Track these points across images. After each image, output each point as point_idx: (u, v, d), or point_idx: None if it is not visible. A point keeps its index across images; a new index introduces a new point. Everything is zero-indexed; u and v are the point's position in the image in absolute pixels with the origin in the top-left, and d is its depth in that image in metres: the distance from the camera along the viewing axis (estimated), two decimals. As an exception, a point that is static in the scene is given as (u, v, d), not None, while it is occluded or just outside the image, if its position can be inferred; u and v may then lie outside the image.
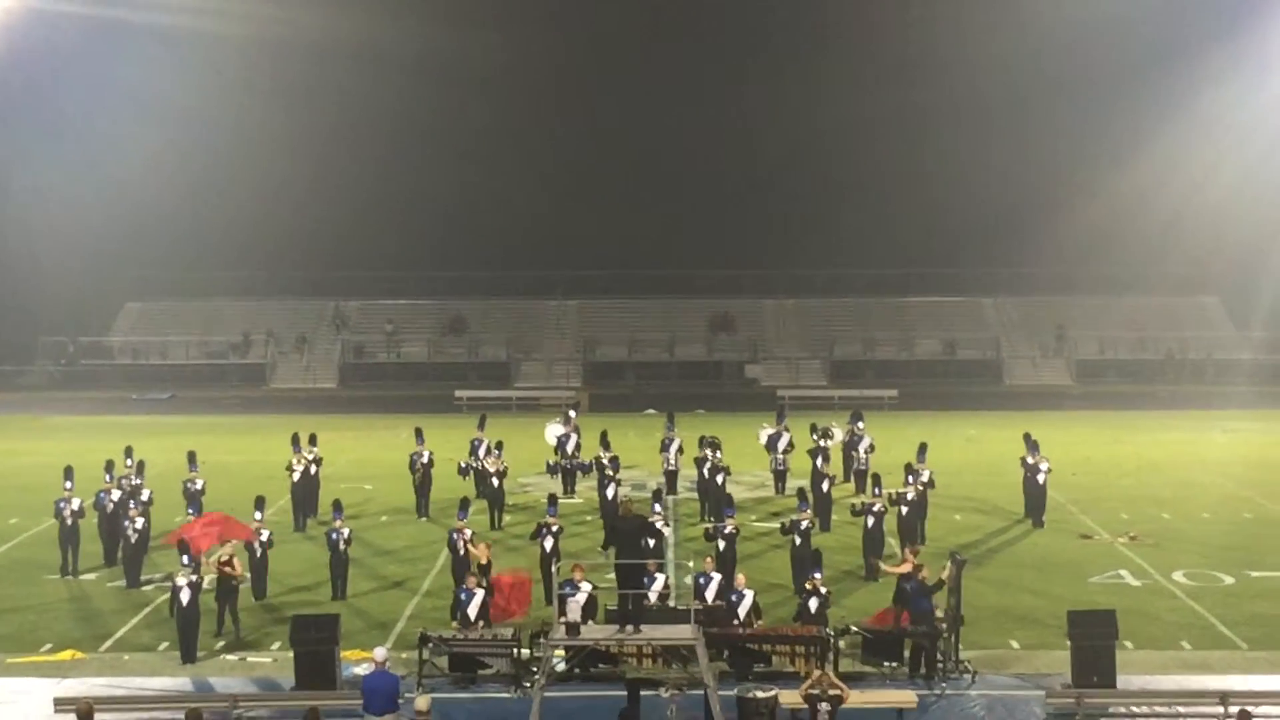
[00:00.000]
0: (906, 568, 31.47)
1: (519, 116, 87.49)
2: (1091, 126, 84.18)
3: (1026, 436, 45.55)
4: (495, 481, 45.12)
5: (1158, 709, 28.13)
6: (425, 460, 46.70)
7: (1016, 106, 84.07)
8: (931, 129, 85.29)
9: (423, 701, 23.12)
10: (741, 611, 30.12)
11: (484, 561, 33.28)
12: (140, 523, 38.22)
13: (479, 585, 31.11)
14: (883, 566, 34.69)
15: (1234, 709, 24.72)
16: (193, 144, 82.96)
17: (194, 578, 31.72)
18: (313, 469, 45.48)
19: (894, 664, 30.24)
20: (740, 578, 31.30)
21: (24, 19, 79.22)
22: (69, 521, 39.19)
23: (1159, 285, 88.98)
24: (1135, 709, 28.25)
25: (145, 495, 40.62)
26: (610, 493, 43.32)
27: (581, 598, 29.32)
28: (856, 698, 26.10)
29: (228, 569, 33.20)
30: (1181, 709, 27.94)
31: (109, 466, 41.72)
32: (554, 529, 36.20)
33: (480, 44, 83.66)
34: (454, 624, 30.60)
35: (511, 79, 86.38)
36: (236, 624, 32.97)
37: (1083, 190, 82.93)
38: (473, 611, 30.49)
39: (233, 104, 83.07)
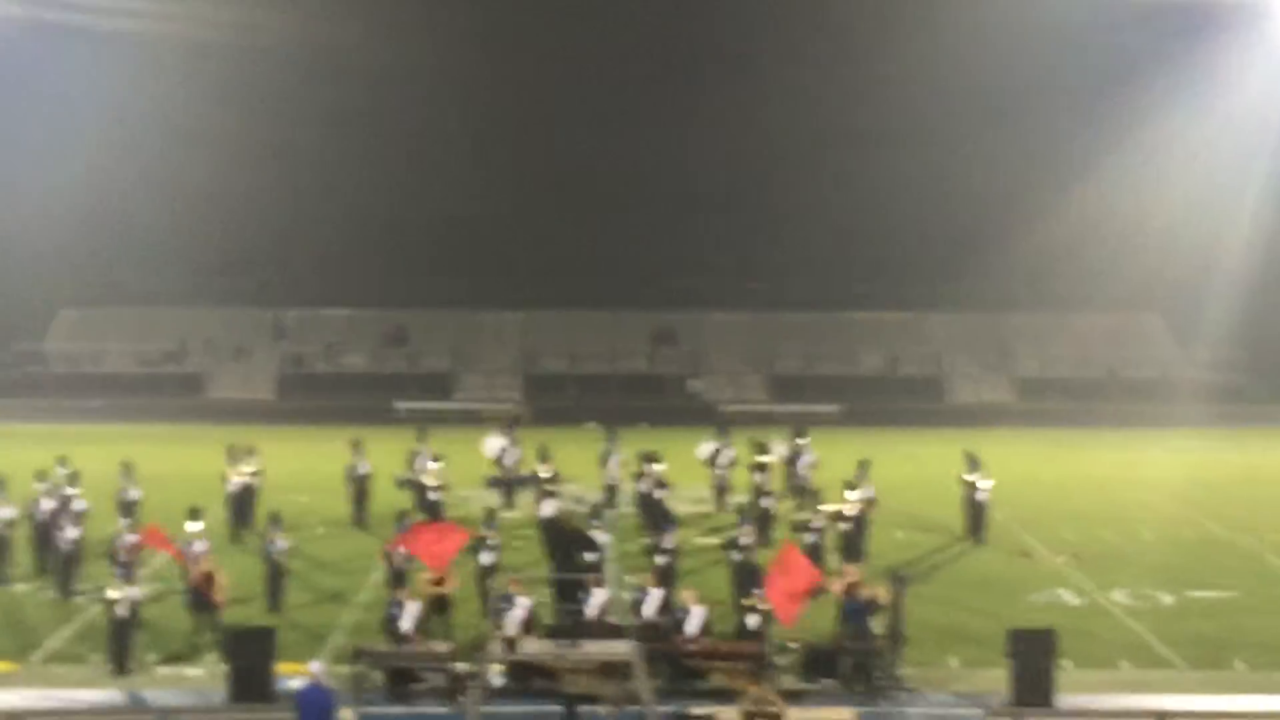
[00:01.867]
0: (844, 585, 31.46)
1: (462, 127, 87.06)
2: (1039, 148, 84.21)
3: (967, 454, 45.56)
4: (434, 495, 44.92)
5: (1096, 729, 28.13)
6: (363, 472, 46.47)
7: (964, 126, 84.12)
8: (879, 147, 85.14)
9: (348, 715, 22.85)
10: (691, 628, 29.98)
11: (436, 578, 33.09)
12: (73, 533, 37.87)
13: (410, 597, 30.90)
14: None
15: (1172, 729, 24.67)
16: (130, 149, 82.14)
17: (129, 589, 31.43)
18: (251, 480, 45.15)
19: (832, 681, 30.13)
20: (690, 594, 31.19)
21: (-48, 24, 78.60)
22: (1, 531, 38.78)
23: (1103, 304, 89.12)
24: (1073, 729, 28.24)
25: (79, 505, 40.19)
26: (549, 507, 43.12)
27: (520, 613, 29.15)
28: (795, 715, 26.00)
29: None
30: (1120, 729, 27.95)
31: (41, 476, 41.31)
32: (492, 543, 35.94)
33: (421, 51, 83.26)
34: (387, 637, 30.43)
35: (455, 89, 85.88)
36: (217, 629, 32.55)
37: (1029, 210, 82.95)
38: (405, 625, 30.26)
39: (172, 109, 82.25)
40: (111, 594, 31.10)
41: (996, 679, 29.76)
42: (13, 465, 44.43)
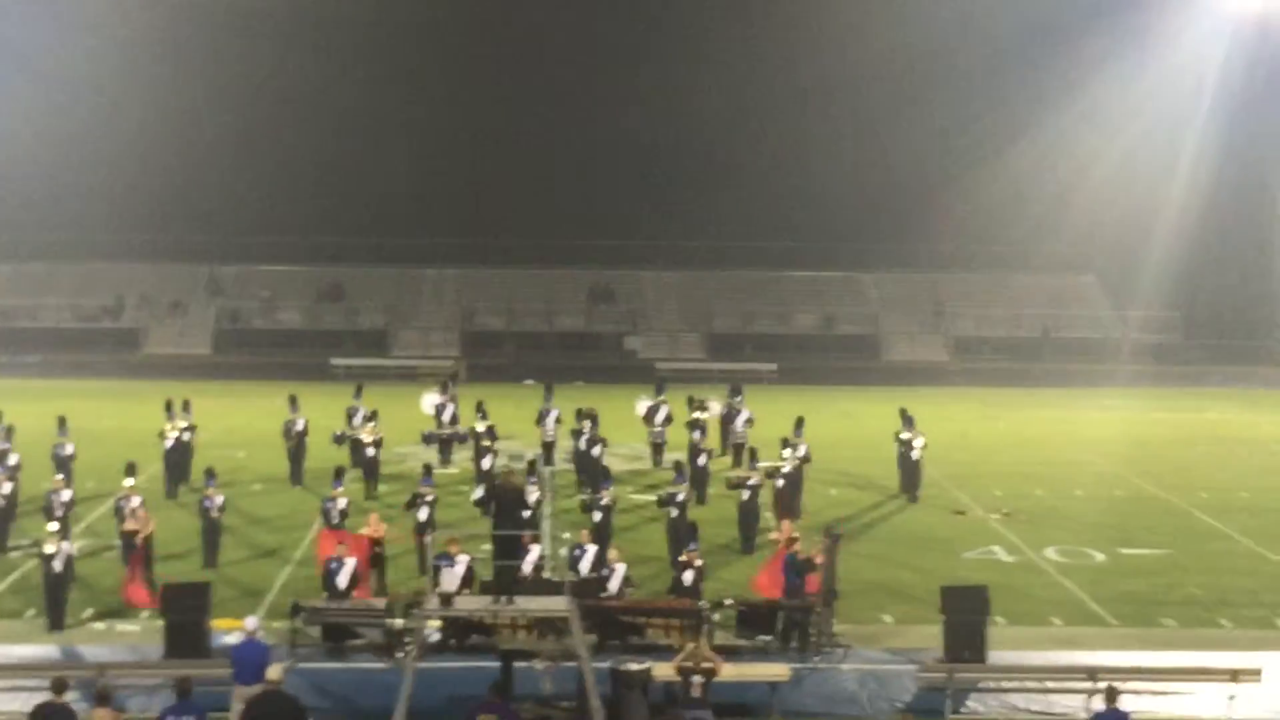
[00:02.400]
0: (782, 537, 31.72)
1: (397, 81, 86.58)
2: (975, 108, 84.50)
3: (902, 412, 45.78)
4: (371, 451, 44.91)
5: (1027, 684, 28.37)
6: (300, 428, 46.37)
7: (901, 85, 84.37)
8: (815, 105, 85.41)
9: (274, 671, 22.85)
10: (613, 585, 30.09)
11: (372, 533, 33.10)
12: (7, 487, 37.73)
13: (348, 554, 30.91)
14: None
15: (1102, 685, 24.86)
16: (65, 102, 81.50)
17: (63, 544, 31.36)
18: (186, 436, 45.02)
19: (767, 638, 30.30)
20: (613, 552, 31.26)
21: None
22: (-65, 485, 38.63)
23: (1039, 265, 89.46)
24: (1005, 684, 28.48)
25: (13, 459, 40.03)
26: (487, 463, 43.24)
27: (459, 569, 29.20)
28: (730, 671, 26.11)
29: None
30: (1051, 684, 28.19)
31: (-24, 430, 41.12)
32: (429, 499, 35.95)
33: (357, 5, 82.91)
34: (324, 594, 30.45)
35: (389, 43, 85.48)
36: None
37: (966, 170, 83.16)
38: (343, 581, 30.31)
39: (107, 62, 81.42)
40: (48, 548, 30.98)
41: (930, 635, 29.97)
42: (-54, 420, 44.22)
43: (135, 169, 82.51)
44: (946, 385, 74.07)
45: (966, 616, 29.19)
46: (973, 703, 27.83)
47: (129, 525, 33.79)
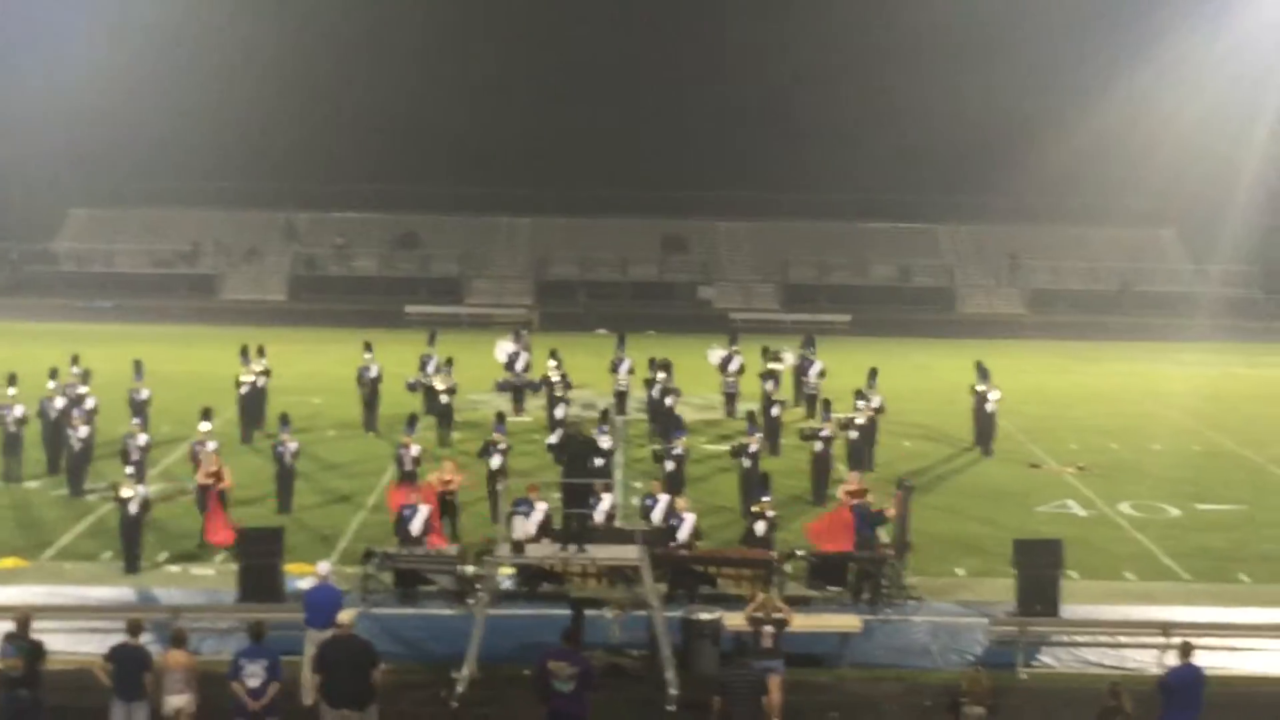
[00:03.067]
0: (853, 489, 31.67)
1: (471, 30, 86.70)
2: (1058, 61, 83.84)
3: (978, 365, 45.54)
4: (444, 398, 44.93)
5: (1100, 639, 28.24)
6: (374, 375, 46.48)
7: (983, 38, 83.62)
8: (896, 58, 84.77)
9: (345, 615, 22.94)
10: (681, 535, 30.08)
11: (448, 479, 33.19)
12: (84, 431, 38.02)
13: (422, 501, 31.01)
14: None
15: (1176, 640, 24.70)
16: (141, 51, 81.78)
17: (139, 488, 31.56)
18: (260, 381, 45.19)
19: (839, 589, 30.24)
20: (681, 501, 31.24)
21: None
22: (12, 428, 39.00)
23: (1118, 218, 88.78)
24: (1078, 638, 28.35)
25: (90, 403, 40.30)
26: (560, 412, 43.31)
27: (538, 516, 29.28)
28: (801, 621, 26.07)
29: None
30: (1124, 639, 28.05)
31: (53, 374, 41.38)
32: (502, 447, 35.96)
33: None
34: (397, 540, 30.58)
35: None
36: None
37: (1047, 123, 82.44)
38: (415, 528, 30.41)
39: (182, 11, 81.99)
40: (124, 492, 31.20)
41: (1003, 588, 29.89)
42: (24, 363, 44.61)
43: (211, 115, 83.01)
44: (1022, 338, 73.65)
45: (1039, 570, 29.06)
46: (1045, 657, 27.72)
47: (205, 471, 33.96)
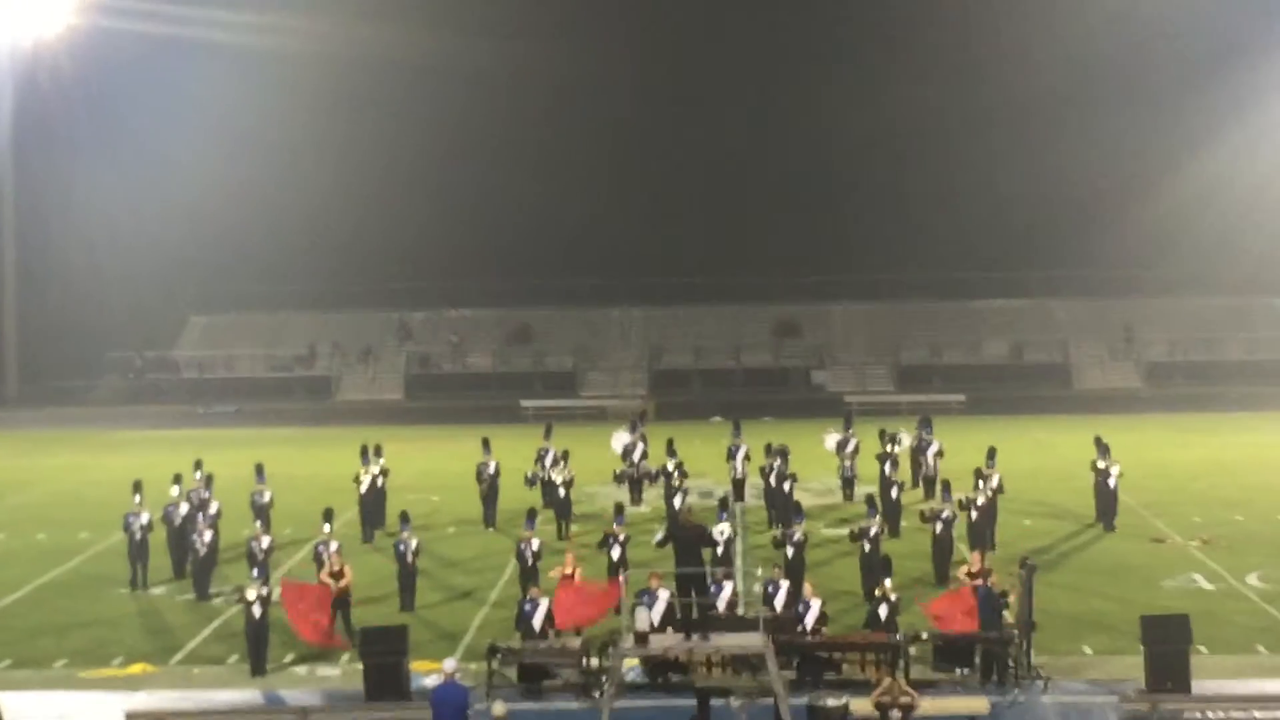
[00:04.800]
0: (975, 569, 31.48)
1: (583, 125, 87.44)
2: (1157, 126, 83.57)
3: (1097, 440, 45.17)
4: (562, 491, 45.06)
5: (1233, 714, 27.83)
6: (492, 470, 46.64)
7: (1082, 106, 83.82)
8: (996, 130, 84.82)
9: (499, 708, 23.03)
10: (809, 620, 30.00)
11: (569, 572, 33.17)
12: (209, 535, 38.40)
13: (542, 595, 31.08)
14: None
15: (1311, 713, 24.41)
16: (255, 157, 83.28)
17: (264, 590, 31.81)
18: (379, 480, 45.50)
19: (966, 670, 30.03)
20: (807, 586, 31.22)
21: (89, 36, 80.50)
22: (138, 535, 39.41)
23: (1225, 286, 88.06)
24: (1210, 714, 27.95)
25: (213, 508, 40.66)
26: (678, 502, 43.31)
27: (661, 606, 29.31)
28: (928, 705, 25.95)
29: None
30: (1258, 713, 27.66)
31: (177, 480, 41.82)
32: (621, 538, 36.03)
33: (541, 54, 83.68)
34: (518, 634, 30.66)
35: (576, 88, 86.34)
36: (350, 632, 32.82)
37: (1148, 190, 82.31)
38: (537, 622, 30.50)
39: (295, 118, 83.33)
40: (249, 595, 31.47)
41: (1131, 666, 29.57)
42: (149, 470, 45.16)
43: (325, 220, 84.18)
44: (1139, 412, 72.97)
45: (1168, 646, 28.69)
46: (1178, 733, 27.42)
47: (328, 571, 34.15)
